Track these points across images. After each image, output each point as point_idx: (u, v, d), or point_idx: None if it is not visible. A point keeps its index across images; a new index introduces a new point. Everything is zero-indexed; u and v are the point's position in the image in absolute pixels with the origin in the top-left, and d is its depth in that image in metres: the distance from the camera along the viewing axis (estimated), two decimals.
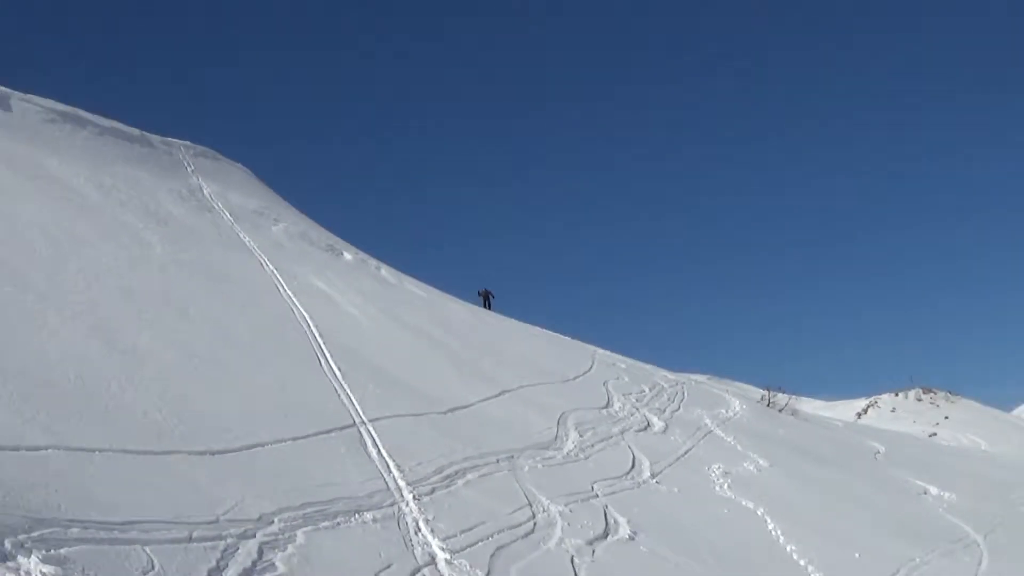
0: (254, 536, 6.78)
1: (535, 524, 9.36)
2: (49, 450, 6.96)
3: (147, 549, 5.94)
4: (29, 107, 19.94)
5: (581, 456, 12.58)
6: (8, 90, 19.84)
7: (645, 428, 15.35)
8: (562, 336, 22.57)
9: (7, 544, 5.24)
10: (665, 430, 15.61)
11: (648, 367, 21.91)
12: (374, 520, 8.07)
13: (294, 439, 9.39)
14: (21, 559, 5.13)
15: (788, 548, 11.55)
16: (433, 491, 9.24)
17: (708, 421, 17.18)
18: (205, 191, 21.33)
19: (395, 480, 9.18)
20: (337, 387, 11.61)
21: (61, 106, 21.02)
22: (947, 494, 17.25)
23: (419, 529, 8.18)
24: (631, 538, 10.00)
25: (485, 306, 26.59)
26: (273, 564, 6.48)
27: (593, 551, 9.23)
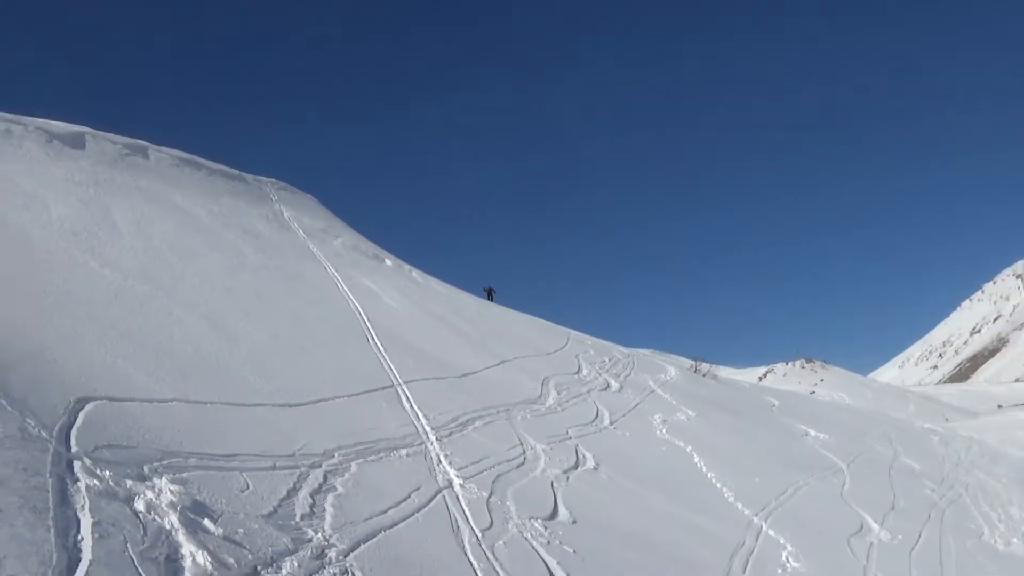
0: (320, 466, 6.88)
1: (525, 458, 9.45)
2: (174, 402, 7.06)
3: (244, 474, 6.04)
4: (161, 155, 19.95)
5: (559, 409, 12.66)
6: (147, 143, 19.87)
7: (606, 388, 15.45)
8: (545, 321, 22.62)
9: (145, 469, 5.34)
10: (620, 390, 15.70)
11: (608, 344, 21.99)
12: (407, 455, 8.15)
13: (349, 396, 9.48)
14: (155, 480, 5.23)
15: (709, 475, 11.65)
16: (450, 434, 9.33)
17: (651, 383, 17.27)
18: (285, 215, 21.36)
19: (422, 426, 9.26)
20: (380, 358, 11.69)
21: (184, 154, 21.02)
22: (822, 435, 17.40)
23: (440, 461, 8.27)
24: (595, 469, 10.09)
25: (488, 299, 26.61)
26: (334, 486, 6.57)
27: (567, 478, 9.33)
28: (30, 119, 16.97)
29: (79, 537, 4.17)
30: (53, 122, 17.66)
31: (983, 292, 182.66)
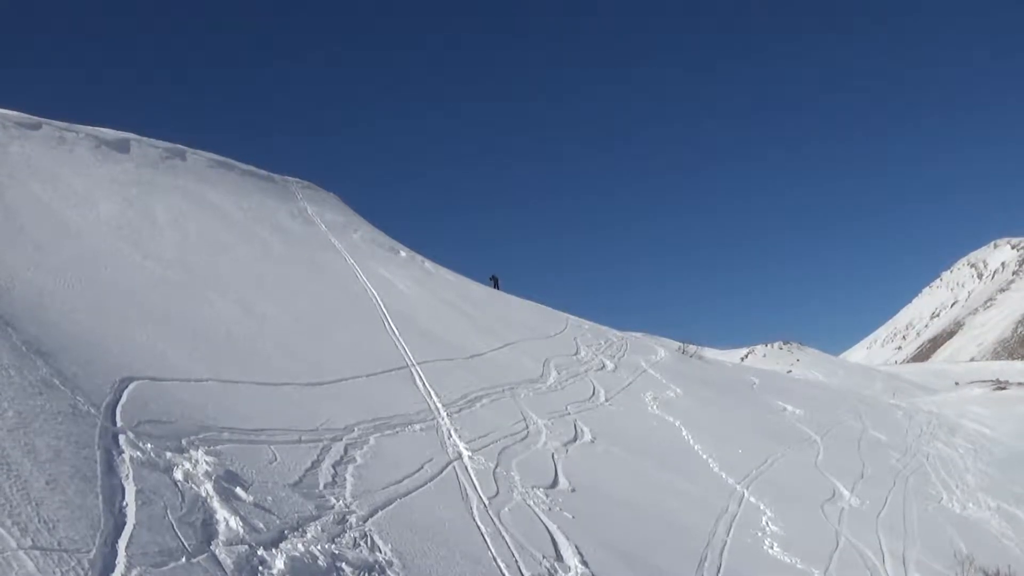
0: (341, 439, 6.86)
1: (528, 432, 9.45)
2: (209, 381, 7.05)
3: (272, 447, 6.03)
4: (197, 157, 19.89)
5: (559, 387, 12.66)
6: (184, 147, 19.80)
7: (601, 368, 15.43)
8: (546, 307, 22.58)
9: (183, 442, 5.33)
10: (615, 370, 15.69)
11: (603, 327, 21.95)
12: (420, 429, 8.14)
13: (367, 375, 9.46)
14: (192, 452, 5.22)
15: (696, 447, 11.65)
16: (460, 410, 9.32)
17: (643, 363, 17.25)
18: (309, 211, 21.30)
19: (434, 403, 9.25)
20: (396, 341, 11.68)
21: (218, 156, 20.96)
22: (798, 410, 17.37)
23: (451, 435, 8.26)
24: (592, 442, 10.08)
25: (494, 287, 26.51)
26: (354, 458, 6.56)
27: (567, 450, 9.33)
28: (81, 126, 16.94)
29: (124, 503, 4.17)
30: (101, 129, 17.62)
31: (941, 280, 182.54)
